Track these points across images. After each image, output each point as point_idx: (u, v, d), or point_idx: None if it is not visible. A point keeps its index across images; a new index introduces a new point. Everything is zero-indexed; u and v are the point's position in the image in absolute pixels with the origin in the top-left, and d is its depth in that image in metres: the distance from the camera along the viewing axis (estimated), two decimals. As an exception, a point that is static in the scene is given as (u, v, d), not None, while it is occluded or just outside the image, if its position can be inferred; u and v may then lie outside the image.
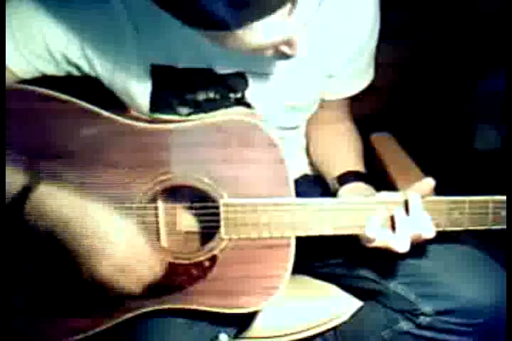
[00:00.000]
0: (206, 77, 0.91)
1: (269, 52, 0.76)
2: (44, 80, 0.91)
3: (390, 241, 0.86)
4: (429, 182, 0.87)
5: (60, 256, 0.84)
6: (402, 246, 0.85)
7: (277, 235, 0.87)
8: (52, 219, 0.79)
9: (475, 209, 0.88)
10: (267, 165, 0.87)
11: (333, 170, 1.03)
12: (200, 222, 0.94)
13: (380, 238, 0.86)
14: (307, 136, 1.12)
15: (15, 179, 0.80)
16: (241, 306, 0.91)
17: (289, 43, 0.73)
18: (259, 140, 0.86)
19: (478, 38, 1.65)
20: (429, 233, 0.86)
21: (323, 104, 1.04)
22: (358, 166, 1.03)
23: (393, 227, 0.86)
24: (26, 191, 0.79)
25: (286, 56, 0.77)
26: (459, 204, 0.88)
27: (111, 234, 0.81)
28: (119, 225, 0.82)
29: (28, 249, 0.88)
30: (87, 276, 0.82)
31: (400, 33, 1.41)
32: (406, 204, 0.87)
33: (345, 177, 0.99)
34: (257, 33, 0.67)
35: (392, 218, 0.87)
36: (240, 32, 0.66)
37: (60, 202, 0.80)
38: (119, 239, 0.81)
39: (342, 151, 1.07)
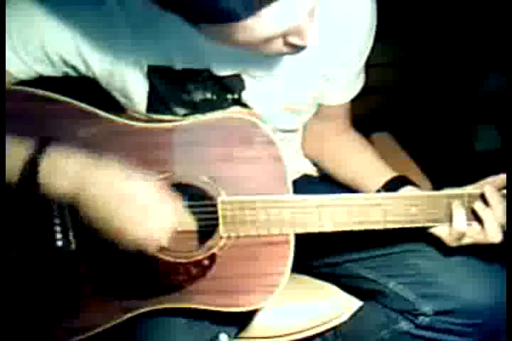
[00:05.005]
0: (203, 78, 0.91)
1: (279, 46, 0.75)
2: (42, 81, 0.91)
3: (480, 235, 0.88)
4: (504, 178, 0.89)
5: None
6: (496, 236, 0.87)
7: (276, 232, 0.87)
8: (69, 178, 0.76)
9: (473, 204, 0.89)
10: (265, 163, 0.87)
11: (371, 182, 1.02)
12: (199, 220, 0.93)
13: (470, 232, 0.88)
14: (319, 153, 1.11)
15: (21, 150, 0.77)
16: (242, 305, 0.90)
17: (298, 33, 0.73)
18: (257, 138, 0.86)
19: (479, 37, 1.65)
20: None
21: (326, 114, 1.04)
22: (391, 171, 1.02)
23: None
24: (36, 157, 0.76)
25: (296, 49, 0.76)
26: (457, 198, 0.89)
27: (128, 186, 0.77)
28: (135, 177, 0.78)
29: (32, 244, 0.89)
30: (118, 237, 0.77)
31: (400, 33, 1.41)
32: (482, 196, 0.88)
33: (393, 184, 0.99)
34: (266, 21, 0.67)
35: (472, 212, 0.89)
36: (249, 21, 0.66)
37: (73, 160, 0.77)
38: (137, 191, 0.77)
39: (368, 162, 1.06)
